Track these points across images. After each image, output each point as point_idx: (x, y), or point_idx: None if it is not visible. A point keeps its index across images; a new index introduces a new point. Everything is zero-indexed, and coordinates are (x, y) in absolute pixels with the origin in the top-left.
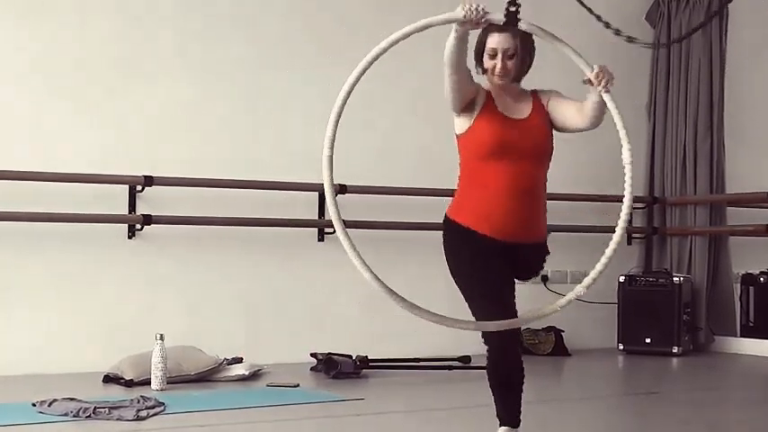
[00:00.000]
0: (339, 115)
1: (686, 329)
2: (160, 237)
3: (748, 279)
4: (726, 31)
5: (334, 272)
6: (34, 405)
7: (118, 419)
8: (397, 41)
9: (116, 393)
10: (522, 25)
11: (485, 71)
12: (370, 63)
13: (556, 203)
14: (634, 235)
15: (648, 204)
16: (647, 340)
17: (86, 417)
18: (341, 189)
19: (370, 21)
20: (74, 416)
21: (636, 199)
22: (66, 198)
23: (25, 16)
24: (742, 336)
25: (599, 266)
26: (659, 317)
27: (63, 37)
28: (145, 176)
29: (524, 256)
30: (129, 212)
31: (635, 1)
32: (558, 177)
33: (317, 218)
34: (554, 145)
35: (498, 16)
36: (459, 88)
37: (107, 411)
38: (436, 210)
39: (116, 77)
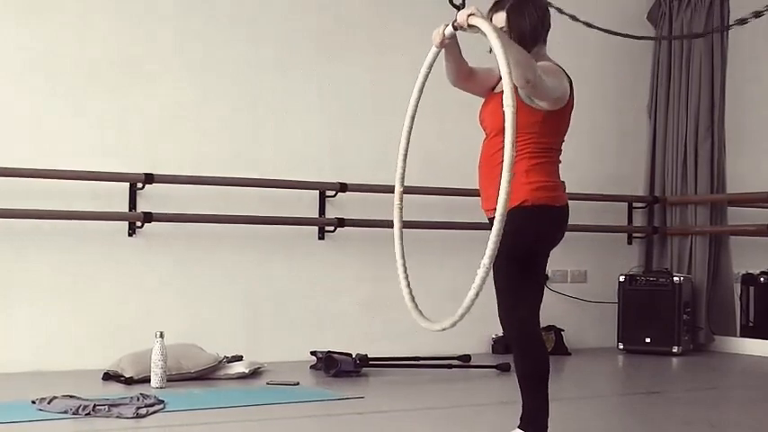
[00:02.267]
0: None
1: (686, 329)
2: (161, 234)
3: (748, 279)
4: (727, 31)
5: (334, 270)
6: (34, 402)
7: (117, 417)
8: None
9: (116, 391)
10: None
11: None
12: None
13: None
14: (635, 234)
15: (649, 204)
16: (647, 340)
17: (86, 414)
18: (341, 187)
19: (369, 20)
20: (73, 413)
21: (636, 198)
22: (66, 195)
23: (25, 16)
24: (742, 336)
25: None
26: (659, 316)
27: (63, 36)
28: (145, 174)
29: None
30: (130, 210)
31: (637, 0)
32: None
33: (317, 216)
34: (535, 118)
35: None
36: (472, 92)
37: (107, 409)
38: (437, 209)
39: (116, 76)
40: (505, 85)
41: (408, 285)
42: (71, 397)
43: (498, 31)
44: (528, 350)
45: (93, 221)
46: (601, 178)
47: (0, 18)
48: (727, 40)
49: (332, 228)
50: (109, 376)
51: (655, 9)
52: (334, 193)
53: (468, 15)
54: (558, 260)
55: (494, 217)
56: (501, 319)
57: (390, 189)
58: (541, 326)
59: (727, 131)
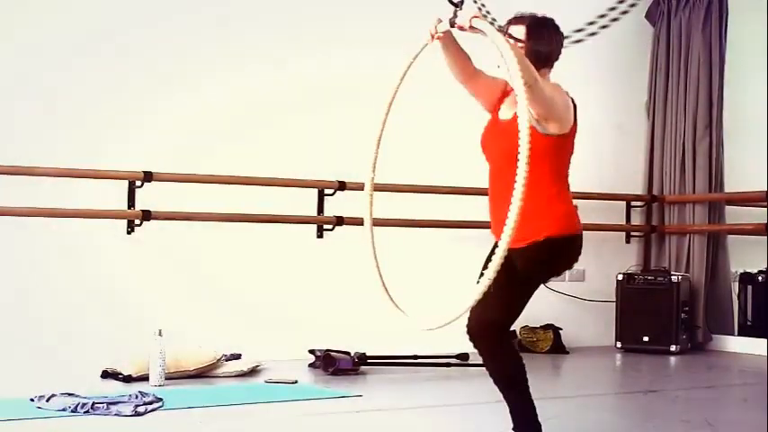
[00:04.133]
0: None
1: (684, 328)
2: (159, 232)
3: (746, 278)
4: (725, 29)
5: (332, 268)
6: (32, 400)
7: (116, 415)
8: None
9: (114, 389)
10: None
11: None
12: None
13: None
14: (632, 233)
15: (647, 202)
16: (645, 338)
17: (84, 412)
18: (340, 186)
19: (371, 15)
20: (72, 411)
21: (634, 197)
22: (65, 193)
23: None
24: (740, 334)
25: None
26: (657, 315)
27: (62, 35)
28: (144, 172)
29: (513, 260)
30: (129, 208)
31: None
32: None
33: (315, 214)
34: (547, 142)
35: (443, 26)
36: (474, 94)
37: (105, 407)
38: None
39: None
40: (516, 81)
41: (382, 277)
42: (70, 395)
43: (500, 33)
44: (510, 354)
45: (92, 219)
46: (599, 177)
47: None
48: (726, 39)
49: (330, 226)
50: (107, 374)
51: (653, 8)
52: (332, 191)
53: (472, 17)
54: None
55: (513, 248)
56: (481, 323)
57: (389, 188)
58: (540, 324)
59: (726, 130)
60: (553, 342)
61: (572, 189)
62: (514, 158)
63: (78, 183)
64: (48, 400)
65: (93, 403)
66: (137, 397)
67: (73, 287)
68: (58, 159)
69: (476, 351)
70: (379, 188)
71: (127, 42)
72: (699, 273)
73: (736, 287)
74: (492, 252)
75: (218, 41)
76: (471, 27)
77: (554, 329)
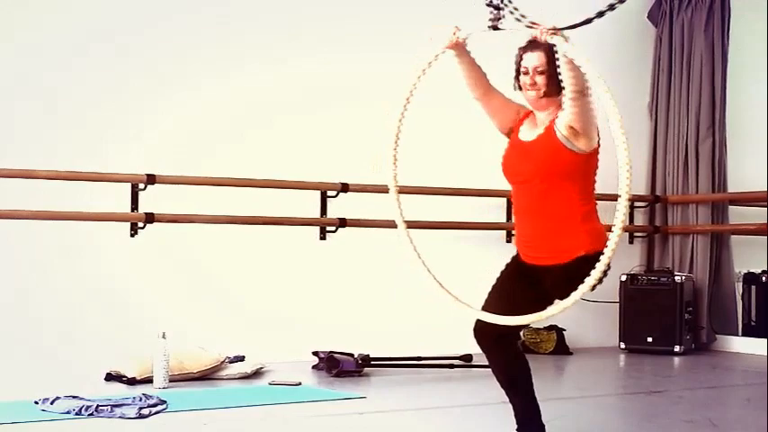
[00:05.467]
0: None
1: (688, 328)
2: (162, 235)
3: (750, 278)
4: (728, 29)
5: (336, 270)
6: (36, 403)
7: (120, 417)
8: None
9: (118, 391)
10: (505, 25)
11: (521, 88)
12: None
13: None
14: (636, 234)
15: (650, 203)
16: (649, 339)
17: (89, 415)
18: (343, 188)
19: (373, 17)
20: (76, 414)
21: (637, 197)
22: (67, 196)
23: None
24: (744, 335)
25: (600, 266)
26: (661, 315)
27: (62, 35)
28: (147, 174)
29: (541, 277)
30: (132, 210)
31: (635, 3)
32: None
33: (318, 216)
34: (578, 159)
35: (472, 30)
36: (488, 112)
37: (109, 409)
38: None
39: (120, 76)
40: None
41: (433, 275)
42: (74, 397)
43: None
44: (516, 356)
45: (95, 222)
46: (602, 177)
47: None
48: (729, 39)
49: (333, 228)
50: (111, 376)
51: (655, 8)
52: (335, 193)
53: (551, 33)
54: None
55: (542, 265)
56: (489, 327)
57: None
58: (543, 326)
59: (728, 130)
60: (557, 343)
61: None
62: (540, 177)
63: (80, 185)
64: (52, 403)
65: (98, 406)
66: (141, 399)
67: (76, 289)
68: (59, 159)
69: (480, 352)
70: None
71: (127, 42)
72: (702, 273)
73: (739, 287)
74: (513, 263)
75: (218, 41)
76: (546, 42)
77: (557, 330)
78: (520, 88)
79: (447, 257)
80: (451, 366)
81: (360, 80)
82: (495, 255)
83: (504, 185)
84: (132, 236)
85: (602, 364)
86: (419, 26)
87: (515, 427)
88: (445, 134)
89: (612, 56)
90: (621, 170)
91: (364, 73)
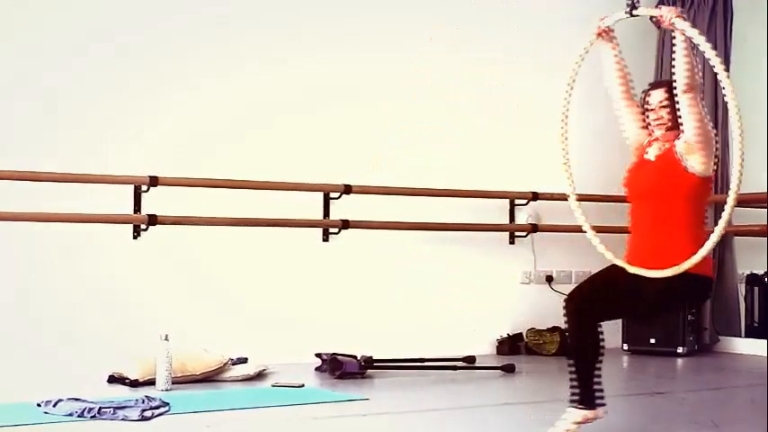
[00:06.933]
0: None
1: (691, 329)
2: (165, 237)
3: (753, 279)
4: (730, 30)
5: (338, 272)
6: (39, 405)
7: (123, 420)
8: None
9: (121, 393)
10: (642, 11)
11: (647, 126)
12: (571, 84)
13: (561, 204)
14: None
15: None
16: (652, 340)
17: (91, 417)
18: (346, 189)
19: (370, 16)
20: (78, 416)
21: None
22: (69, 198)
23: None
24: (747, 336)
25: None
26: (664, 317)
27: (62, 35)
28: (150, 176)
29: (640, 283)
30: (135, 212)
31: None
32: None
33: (321, 218)
34: (691, 180)
35: (616, 16)
36: (624, 117)
37: (112, 411)
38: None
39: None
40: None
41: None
42: (76, 399)
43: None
44: (597, 333)
45: (97, 224)
46: (604, 178)
47: None
48: (731, 41)
49: (336, 229)
50: (114, 379)
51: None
52: (338, 194)
53: (677, 16)
54: (562, 261)
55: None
56: (585, 303)
57: (394, 191)
58: (546, 327)
59: (731, 131)
60: (560, 344)
61: (576, 191)
62: (653, 195)
63: (83, 186)
64: (54, 405)
65: (100, 408)
66: (143, 401)
67: (78, 290)
68: (59, 159)
69: (483, 353)
70: (384, 191)
71: (127, 42)
72: None
73: (742, 288)
74: (612, 267)
75: (218, 41)
76: (671, 24)
77: (561, 332)
78: (646, 126)
79: (448, 258)
80: (455, 368)
81: (360, 80)
82: (497, 256)
83: (505, 186)
84: (135, 238)
85: (605, 366)
86: (419, 26)
87: (572, 401)
88: (445, 134)
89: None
90: (734, 166)
91: (364, 73)
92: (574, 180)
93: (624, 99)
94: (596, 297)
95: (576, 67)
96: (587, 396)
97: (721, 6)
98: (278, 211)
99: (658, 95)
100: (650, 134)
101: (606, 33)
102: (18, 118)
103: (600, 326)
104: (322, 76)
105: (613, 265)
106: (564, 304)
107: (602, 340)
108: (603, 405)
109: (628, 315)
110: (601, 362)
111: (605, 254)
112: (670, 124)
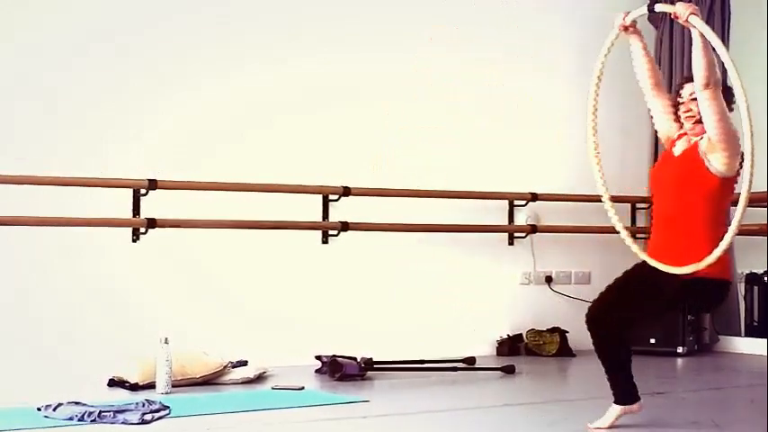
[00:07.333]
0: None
1: (691, 329)
2: (164, 240)
3: (752, 278)
4: (728, 30)
5: (338, 274)
6: (39, 409)
7: (123, 423)
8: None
9: (121, 397)
10: (659, 7)
11: (678, 119)
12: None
13: (560, 204)
14: (638, 235)
15: (652, 204)
16: (652, 340)
17: (91, 421)
18: (345, 191)
19: (371, 18)
20: (79, 420)
21: (639, 199)
22: (69, 199)
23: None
24: (746, 335)
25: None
26: (663, 317)
27: (62, 35)
28: (149, 180)
29: (660, 280)
30: (134, 216)
31: (637, 2)
32: (561, 178)
33: (320, 220)
34: (713, 181)
35: (638, 12)
36: (654, 109)
37: (112, 415)
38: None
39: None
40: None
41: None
42: (76, 403)
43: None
44: (625, 344)
45: (96, 228)
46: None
47: None
48: (729, 40)
49: (336, 232)
50: (114, 382)
51: None
52: (337, 196)
53: (690, 13)
54: (562, 262)
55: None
56: (604, 316)
57: (393, 192)
58: (546, 328)
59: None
60: (560, 345)
61: (576, 191)
62: (674, 190)
63: (83, 191)
64: (54, 409)
65: (100, 412)
66: (143, 405)
67: (77, 292)
68: (59, 159)
69: (483, 354)
70: (382, 193)
71: (127, 42)
72: None
73: (742, 288)
74: (637, 265)
75: (218, 41)
76: (687, 21)
77: (560, 332)
78: (679, 123)
79: (447, 259)
80: (455, 369)
81: (360, 80)
82: (497, 257)
83: (504, 187)
84: (134, 241)
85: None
86: (419, 26)
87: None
88: (445, 134)
89: (613, 58)
90: (746, 163)
91: (364, 73)
92: (606, 180)
93: (653, 91)
94: (612, 302)
95: (600, 65)
96: (622, 395)
97: (719, 7)
98: (277, 213)
99: (690, 88)
100: (680, 127)
101: (631, 28)
102: (18, 118)
103: (624, 335)
104: (322, 76)
105: (625, 272)
106: (586, 326)
107: (629, 347)
108: (639, 400)
109: (645, 314)
110: (630, 363)
111: (639, 254)
112: (698, 117)
